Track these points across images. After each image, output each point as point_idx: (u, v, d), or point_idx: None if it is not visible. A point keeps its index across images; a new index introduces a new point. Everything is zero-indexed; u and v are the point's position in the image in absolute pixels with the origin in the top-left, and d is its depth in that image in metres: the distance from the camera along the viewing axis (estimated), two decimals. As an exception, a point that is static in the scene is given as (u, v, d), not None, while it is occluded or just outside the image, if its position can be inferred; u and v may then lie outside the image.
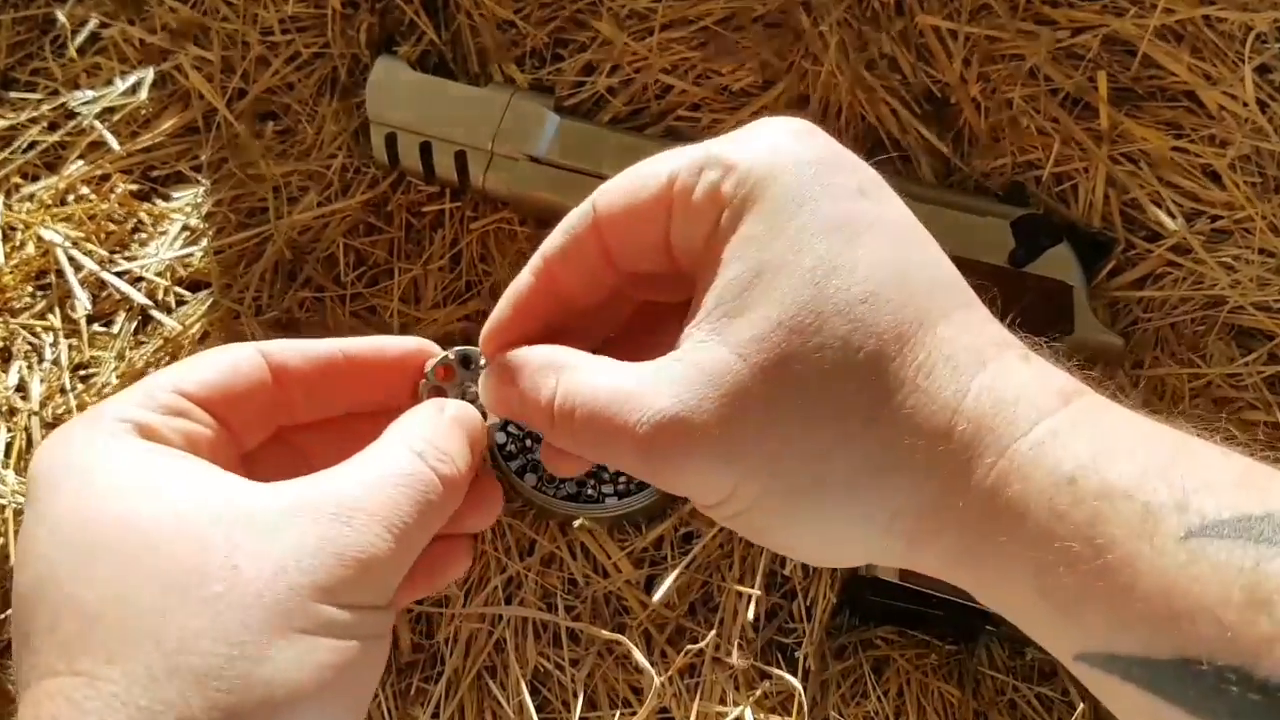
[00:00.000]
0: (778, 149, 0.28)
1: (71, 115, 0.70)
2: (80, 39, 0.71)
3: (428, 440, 0.29)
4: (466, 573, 0.57)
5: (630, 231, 0.30)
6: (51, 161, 0.69)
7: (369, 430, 0.30)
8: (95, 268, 0.65)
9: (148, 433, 0.28)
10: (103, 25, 0.71)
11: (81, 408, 0.62)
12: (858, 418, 0.26)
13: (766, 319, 0.26)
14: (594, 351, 0.30)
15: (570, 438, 0.29)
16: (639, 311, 0.34)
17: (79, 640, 0.24)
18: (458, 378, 0.33)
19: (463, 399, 0.33)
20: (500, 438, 0.58)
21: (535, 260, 0.32)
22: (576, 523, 0.57)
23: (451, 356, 0.33)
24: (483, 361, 0.33)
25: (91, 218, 0.66)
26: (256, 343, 0.31)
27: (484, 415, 0.32)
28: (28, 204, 0.67)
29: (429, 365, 0.33)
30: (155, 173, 0.69)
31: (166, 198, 0.68)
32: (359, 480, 0.28)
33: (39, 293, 0.66)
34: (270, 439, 0.32)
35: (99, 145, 0.69)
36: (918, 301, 0.27)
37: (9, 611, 0.26)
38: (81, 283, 0.65)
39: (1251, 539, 0.23)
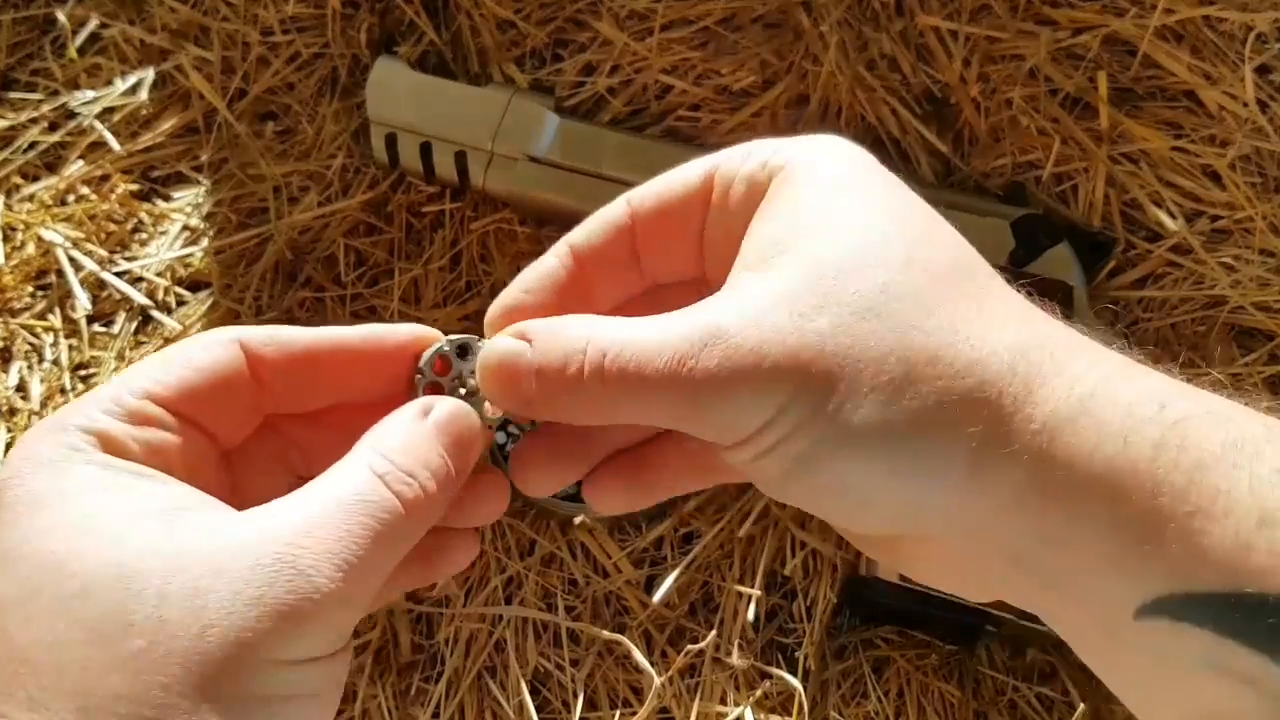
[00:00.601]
0: (820, 146, 0.28)
1: (72, 115, 0.70)
2: (80, 39, 0.71)
3: (392, 458, 0.27)
4: (467, 572, 0.57)
5: (664, 229, 0.29)
6: (52, 162, 0.69)
7: (366, 421, 0.28)
8: (95, 268, 0.65)
9: (110, 445, 0.26)
10: (103, 25, 0.71)
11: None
12: (919, 348, 0.25)
13: (827, 245, 0.26)
14: None
15: (601, 390, 0.26)
16: None
17: (6, 681, 0.23)
18: (454, 370, 0.31)
19: (463, 392, 0.31)
20: (500, 438, 0.58)
21: (560, 247, 0.31)
22: (577, 520, 0.57)
23: (447, 347, 0.31)
24: (478, 348, 0.30)
25: (92, 218, 0.66)
26: (237, 330, 0.29)
27: (483, 413, 0.30)
28: (28, 204, 0.67)
29: (424, 357, 0.31)
30: (155, 173, 0.69)
31: (167, 198, 0.68)
32: (308, 512, 0.25)
33: (39, 293, 0.66)
34: (260, 429, 0.30)
35: (99, 145, 0.69)
36: (970, 251, 0.27)
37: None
38: (82, 283, 0.65)
39: None
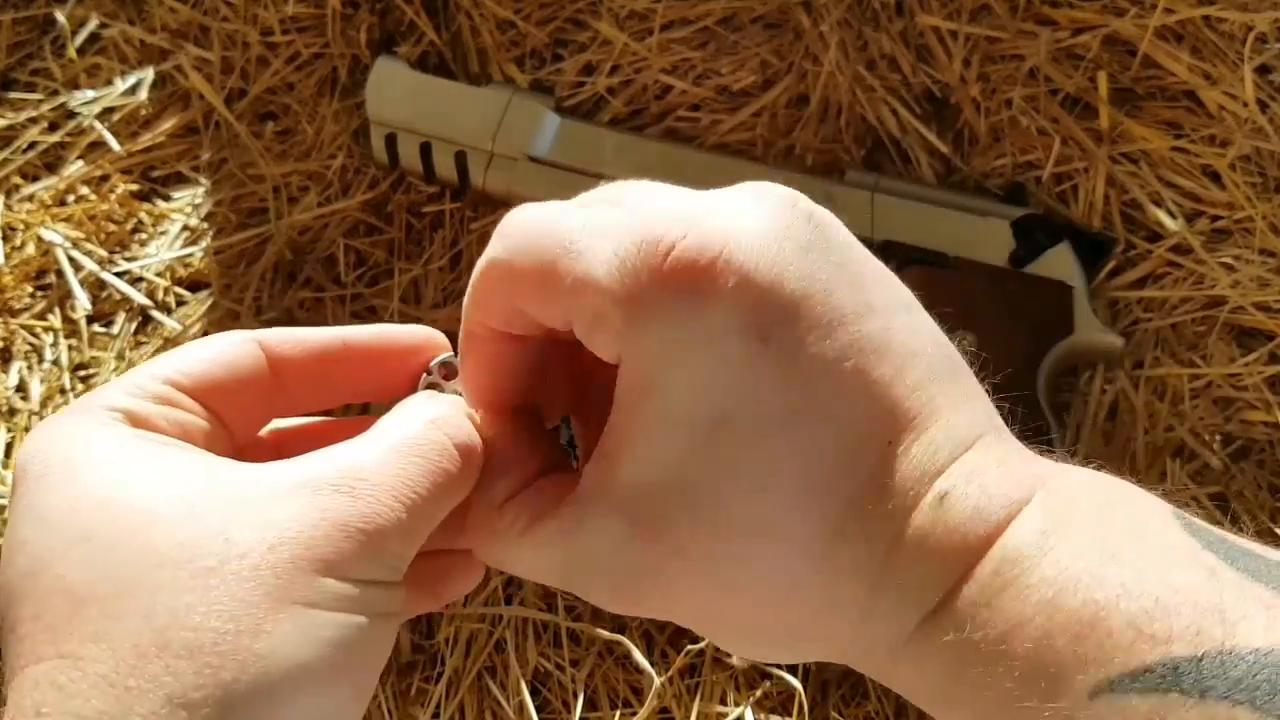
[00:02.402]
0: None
1: (71, 115, 0.70)
2: (80, 39, 0.71)
3: (442, 411, 0.28)
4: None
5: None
6: (51, 162, 0.69)
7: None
8: (95, 268, 0.65)
9: (139, 421, 0.27)
10: (103, 25, 0.71)
11: (81, 408, 0.62)
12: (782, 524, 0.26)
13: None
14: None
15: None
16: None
17: (65, 623, 0.23)
18: (459, 379, 0.31)
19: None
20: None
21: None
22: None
23: (455, 357, 0.31)
24: None
25: (91, 218, 0.66)
26: (254, 331, 0.30)
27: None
28: (28, 204, 0.67)
29: (435, 361, 0.31)
30: (155, 173, 0.69)
31: (166, 198, 0.68)
32: (366, 451, 0.27)
33: (39, 293, 0.66)
34: (258, 441, 0.31)
35: (99, 145, 0.69)
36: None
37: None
38: (81, 283, 0.65)
39: (1152, 691, 0.22)
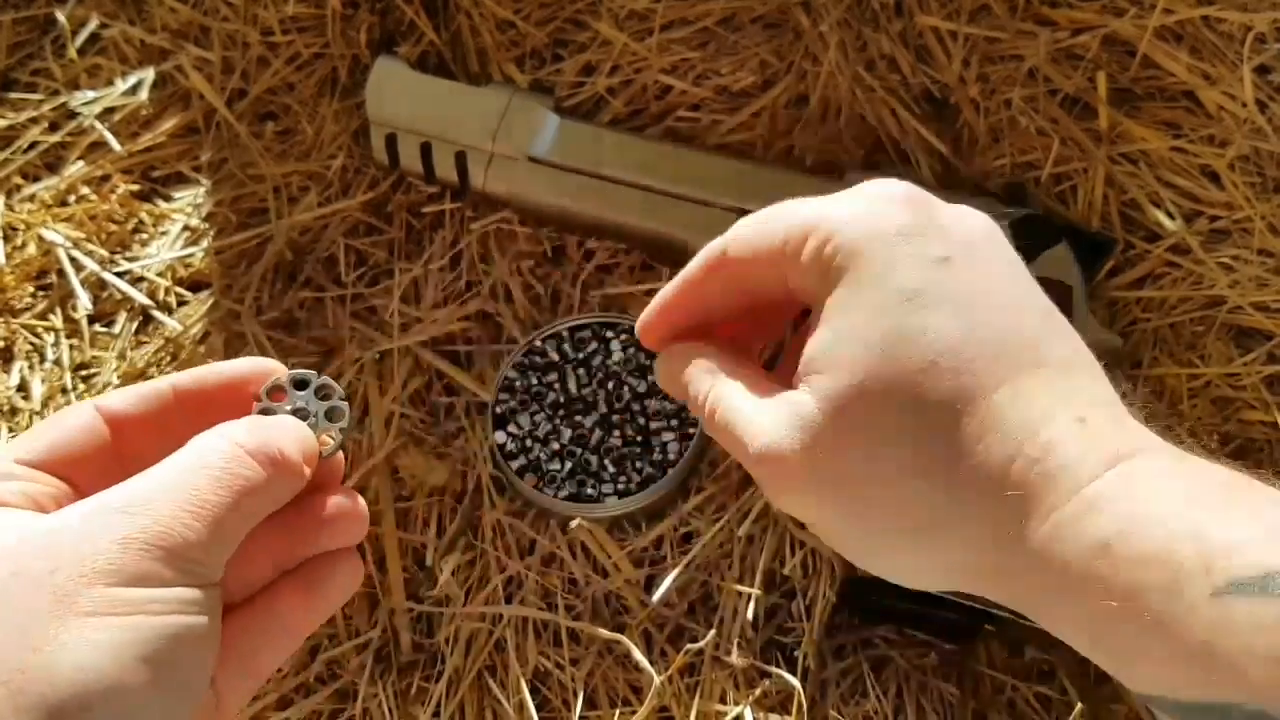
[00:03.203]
0: (871, 217, 0.32)
1: (72, 116, 0.70)
2: (81, 39, 0.71)
3: (241, 426, 0.31)
4: (467, 571, 0.57)
5: (756, 275, 0.34)
6: (52, 162, 0.69)
7: None
8: (96, 268, 0.65)
9: None
10: (103, 26, 0.71)
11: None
12: (916, 478, 0.30)
13: (839, 381, 0.30)
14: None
15: (711, 429, 0.34)
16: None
17: None
18: (289, 400, 0.33)
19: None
20: (500, 438, 0.59)
21: (697, 261, 0.36)
22: (574, 523, 0.57)
23: (284, 379, 0.33)
24: (317, 383, 0.33)
25: (92, 218, 0.67)
26: (93, 399, 0.33)
27: (321, 438, 0.33)
28: (29, 204, 0.68)
29: (263, 387, 0.33)
30: (156, 173, 0.69)
31: (167, 198, 0.68)
32: (155, 471, 0.29)
33: (40, 293, 0.66)
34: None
35: (100, 146, 0.69)
36: (976, 368, 0.30)
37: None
38: (83, 283, 0.65)
39: (1274, 594, 0.25)
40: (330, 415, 0.33)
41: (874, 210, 0.32)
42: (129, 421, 0.33)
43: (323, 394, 0.33)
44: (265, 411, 0.33)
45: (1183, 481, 0.28)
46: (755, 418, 0.32)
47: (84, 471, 0.32)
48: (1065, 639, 0.29)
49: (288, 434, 0.32)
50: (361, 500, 0.34)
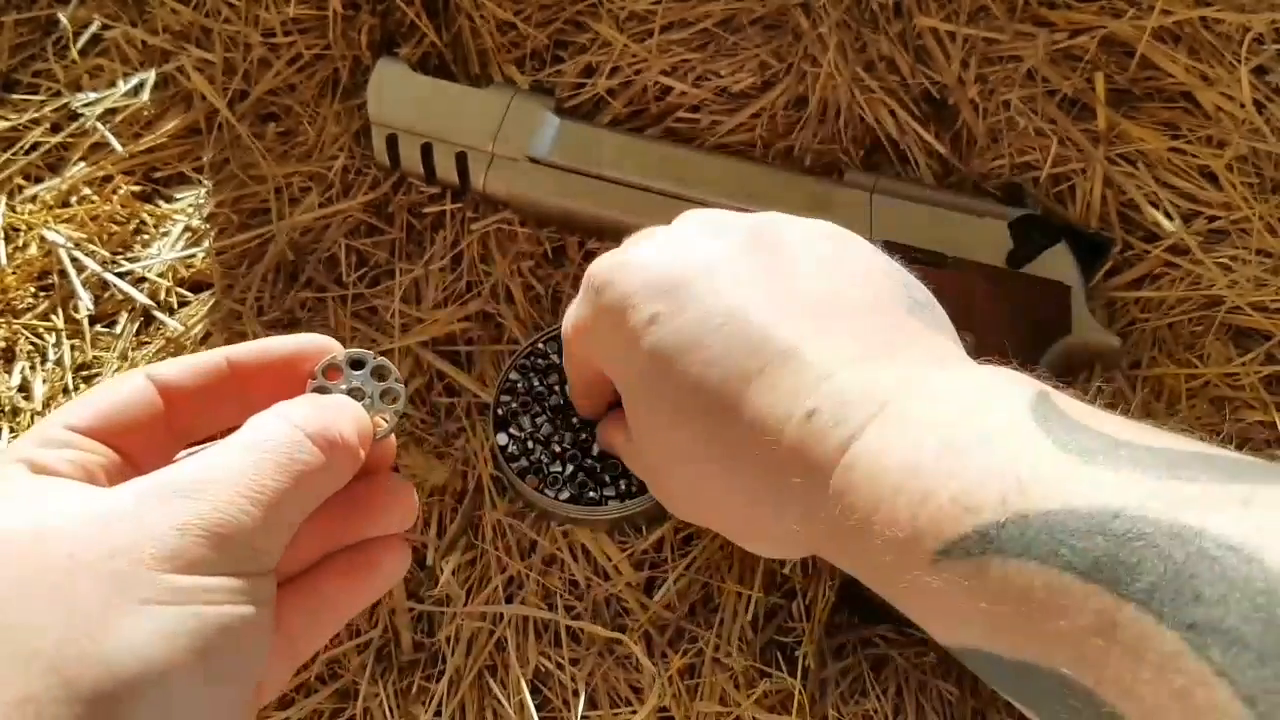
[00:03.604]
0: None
1: (74, 117, 0.70)
2: (82, 41, 0.71)
3: (301, 409, 0.30)
4: (468, 571, 0.58)
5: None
6: (54, 163, 0.69)
7: None
8: (98, 268, 0.65)
9: (39, 468, 0.29)
10: (105, 27, 0.71)
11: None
12: (711, 461, 0.34)
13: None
14: None
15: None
16: None
17: None
18: (345, 379, 0.32)
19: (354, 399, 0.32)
20: (502, 439, 0.59)
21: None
22: (569, 525, 0.57)
23: (341, 357, 0.32)
24: (373, 364, 0.32)
25: (94, 219, 0.67)
26: (145, 367, 0.32)
27: (375, 420, 0.32)
28: (30, 205, 0.68)
29: (319, 365, 0.32)
30: (157, 174, 0.69)
31: (169, 199, 0.69)
32: (215, 454, 0.28)
33: (42, 293, 0.66)
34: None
35: (101, 146, 0.69)
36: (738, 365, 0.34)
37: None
38: (84, 283, 0.65)
39: (976, 552, 0.27)
40: (385, 397, 0.32)
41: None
42: (181, 393, 0.32)
43: (378, 375, 0.33)
44: (320, 390, 0.32)
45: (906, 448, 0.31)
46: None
47: (134, 441, 0.31)
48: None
49: (346, 417, 0.31)
50: (412, 486, 0.33)
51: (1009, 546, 0.25)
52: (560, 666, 0.55)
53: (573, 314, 0.41)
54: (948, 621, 0.28)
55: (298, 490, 0.29)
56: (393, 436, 0.33)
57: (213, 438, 0.33)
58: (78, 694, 0.24)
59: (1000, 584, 0.25)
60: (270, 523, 0.28)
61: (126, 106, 0.70)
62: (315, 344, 0.33)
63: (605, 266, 0.39)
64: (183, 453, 0.33)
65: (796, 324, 0.34)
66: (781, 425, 0.32)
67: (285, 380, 0.33)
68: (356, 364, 0.33)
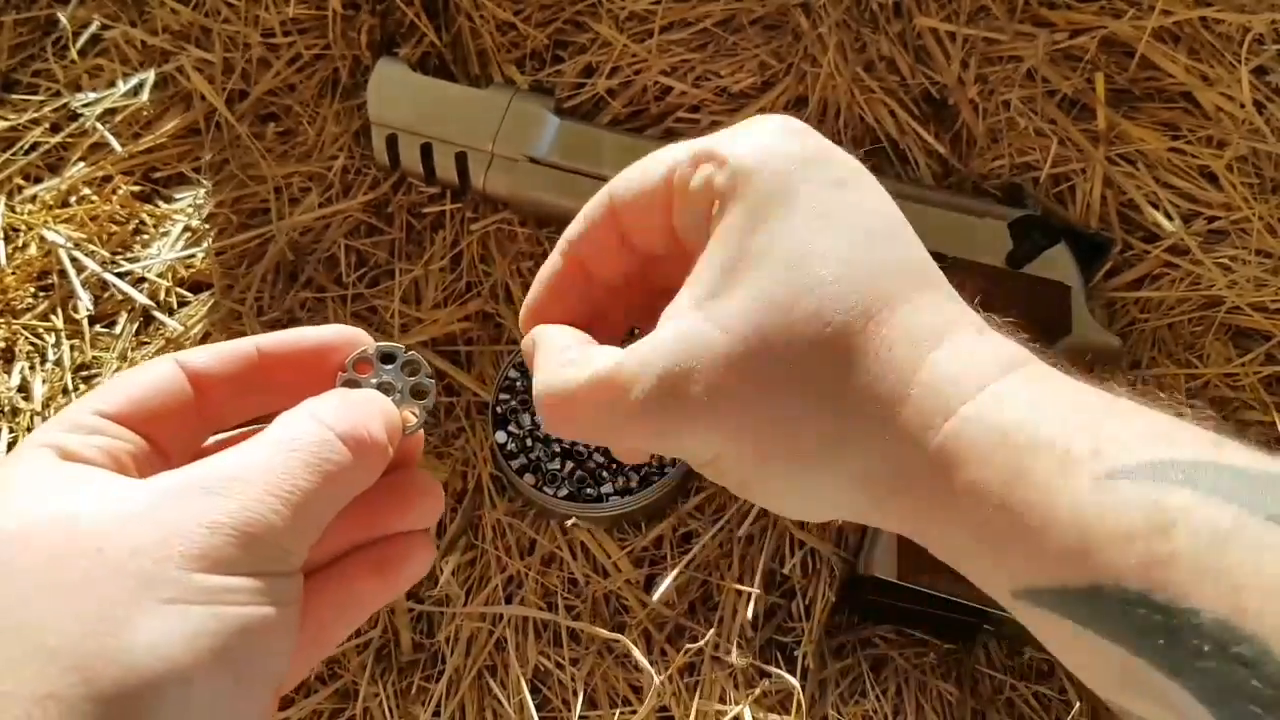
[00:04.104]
0: (766, 145, 0.31)
1: (74, 117, 0.70)
2: (82, 41, 0.71)
3: (331, 407, 0.29)
4: (468, 570, 0.58)
5: (640, 216, 0.33)
6: (54, 163, 0.69)
7: None
8: (97, 269, 0.65)
9: (67, 454, 0.28)
10: (104, 27, 0.71)
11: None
12: (825, 388, 0.29)
13: (746, 297, 0.29)
14: (625, 340, 0.33)
15: (546, 422, 0.32)
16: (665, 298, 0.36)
17: None
18: (375, 373, 0.32)
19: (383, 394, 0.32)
20: (501, 437, 0.59)
21: (561, 244, 0.34)
22: (569, 522, 0.57)
23: (371, 351, 0.32)
24: (404, 358, 0.32)
25: (94, 219, 0.67)
26: (174, 354, 0.31)
27: (404, 415, 0.32)
28: (30, 205, 0.68)
29: (350, 358, 0.32)
30: (157, 174, 0.69)
31: (168, 199, 0.69)
32: (244, 451, 0.28)
33: (41, 293, 0.66)
34: (201, 454, 0.32)
35: (101, 147, 0.69)
36: (883, 284, 0.30)
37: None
38: (84, 284, 0.65)
39: (1157, 479, 0.25)
40: (414, 392, 0.32)
41: (767, 139, 0.31)
42: (211, 380, 0.31)
43: (409, 369, 0.32)
44: (349, 383, 0.32)
45: (1070, 388, 0.29)
46: (626, 367, 0.30)
47: (164, 428, 0.31)
48: (947, 555, 0.30)
49: (375, 414, 0.30)
50: (439, 483, 0.33)
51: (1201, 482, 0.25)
52: (560, 666, 0.55)
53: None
54: (1064, 550, 0.26)
55: (327, 489, 0.28)
56: (421, 432, 0.32)
57: (239, 426, 0.33)
58: (99, 692, 0.24)
59: (1181, 514, 0.25)
60: (299, 522, 0.28)
61: (126, 106, 0.70)
62: (346, 335, 0.33)
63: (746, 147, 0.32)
64: (210, 439, 0.33)
65: (932, 263, 0.33)
66: (933, 339, 0.30)
67: (314, 371, 0.32)
68: (387, 358, 0.32)
